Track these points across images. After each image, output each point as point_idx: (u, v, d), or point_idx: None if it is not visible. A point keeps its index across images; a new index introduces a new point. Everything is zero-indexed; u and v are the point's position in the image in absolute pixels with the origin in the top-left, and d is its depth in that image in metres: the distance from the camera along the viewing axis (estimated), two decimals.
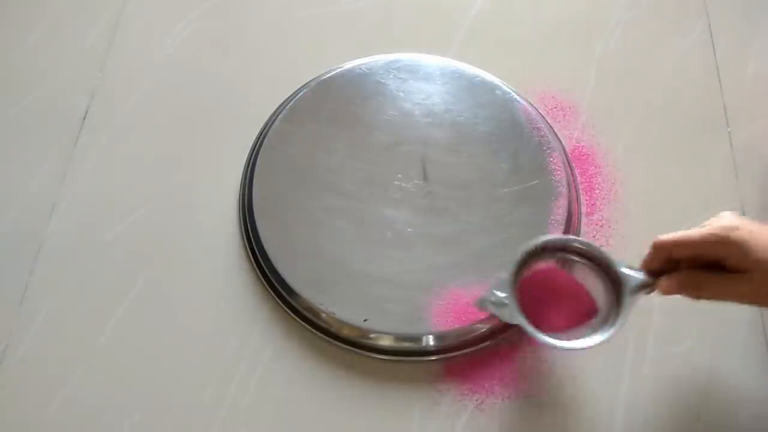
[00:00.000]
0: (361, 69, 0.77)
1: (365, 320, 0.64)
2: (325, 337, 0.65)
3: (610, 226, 0.71)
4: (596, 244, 0.61)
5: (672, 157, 0.75)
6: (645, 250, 0.71)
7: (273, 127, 0.74)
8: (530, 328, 0.58)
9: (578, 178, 0.73)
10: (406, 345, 0.65)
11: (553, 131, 0.75)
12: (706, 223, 0.56)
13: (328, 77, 0.77)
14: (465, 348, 0.64)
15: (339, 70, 0.78)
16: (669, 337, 0.65)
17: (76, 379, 0.64)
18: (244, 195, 0.71)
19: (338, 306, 0.65)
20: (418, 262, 0.67)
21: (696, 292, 0.57)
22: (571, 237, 0.66)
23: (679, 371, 0.64)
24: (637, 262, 0.60)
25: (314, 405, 0.63)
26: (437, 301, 0.65)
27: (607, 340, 0.57)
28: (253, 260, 0.69)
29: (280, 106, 0.76)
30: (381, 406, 0.63)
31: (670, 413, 0.63)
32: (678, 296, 0.67)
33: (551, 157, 0.72)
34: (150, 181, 0.73)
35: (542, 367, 0.64)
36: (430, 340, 0.64)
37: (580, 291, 0.62)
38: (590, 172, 0.74)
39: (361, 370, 0.64)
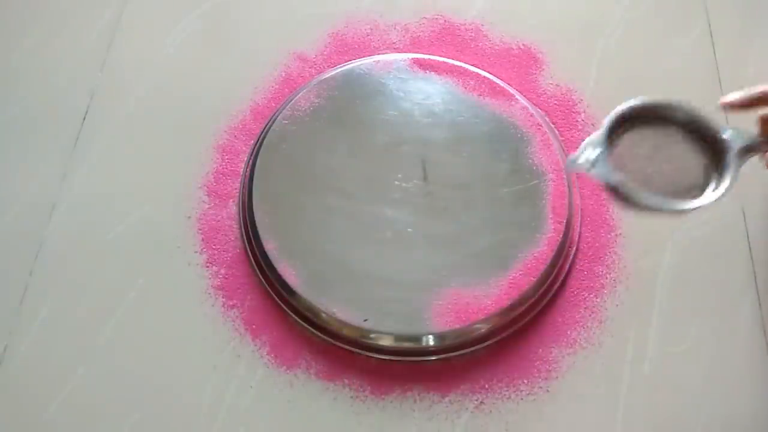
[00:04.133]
0: (361, 69, 0.77)
1: (365, 320, 0.64)
2: (325, 337, 0.65)
3: (610, 225, 0.71)
4: (694, 104, 0.56)
5: None
6: (644, 247, 0.70)
7: (273, 127, 0.74)
8: (632, 186, 0.52)
9: (578, 178, 0.73)
10: (406, 345, 0.65)
11: (554, 131, 0.75)
12: None
13: (328, 77, 0.77)
14: (465, 348, 0.64)
15: (339, 70, 0.78)
16: (669, 337, 0.65)
17: (76, 379, 0.64)
18: (244, 195, 0.71)
19: (338, 306, 0.65)
20: (418, 262, 0.67)
21: None
22: (665, 100, 0.59)
23: (679, 371, 0.64)
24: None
25: (314, 405, 0.63)
26: (437, 301, 0.65)
27: (719, 199, 0.53)
28: (253, 260, 0.69)
29: (280, 106, 0.76)
30: (381, 407, 0.63)
31: (670, 413, 0.63)
32: (678, 299, 0.67)
33: (551, 157, 0.72)
34: (150, 181, 0.73)
35: (542, 367, 0.64)
36: (430, 340, 0.64)
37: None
38: None
39: (361, 370, 0.64)
